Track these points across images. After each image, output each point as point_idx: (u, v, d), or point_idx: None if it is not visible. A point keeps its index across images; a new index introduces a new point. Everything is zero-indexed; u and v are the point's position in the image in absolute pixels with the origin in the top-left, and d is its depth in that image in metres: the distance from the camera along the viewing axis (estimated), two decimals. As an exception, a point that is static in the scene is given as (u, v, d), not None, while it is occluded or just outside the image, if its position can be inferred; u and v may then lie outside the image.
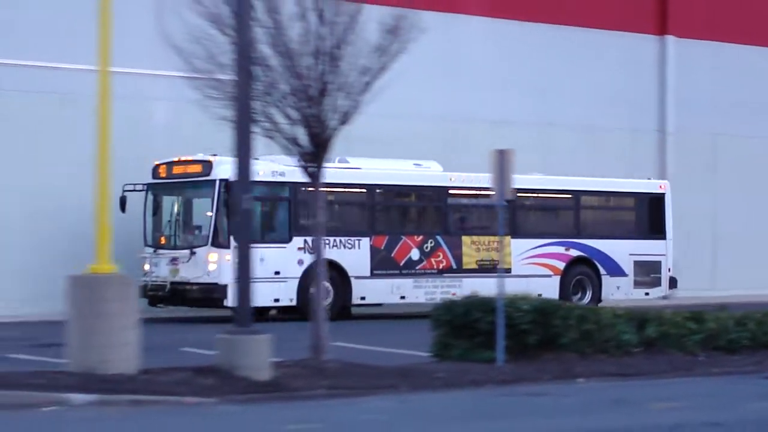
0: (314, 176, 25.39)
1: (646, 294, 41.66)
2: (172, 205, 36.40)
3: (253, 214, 33.01)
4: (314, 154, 25.09)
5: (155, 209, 36.77)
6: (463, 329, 26.09)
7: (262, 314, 34.15)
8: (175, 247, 35.78)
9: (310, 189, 27.28)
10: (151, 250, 36.67)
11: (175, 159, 36.91)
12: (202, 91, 25.37)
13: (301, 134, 24.81)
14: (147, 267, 36.18)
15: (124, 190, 36.41)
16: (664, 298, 41.31)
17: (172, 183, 36.24)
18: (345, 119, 25.15)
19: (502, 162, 25.26)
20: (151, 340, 23.55)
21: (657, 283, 41.65)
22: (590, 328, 26.31)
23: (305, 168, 25.31)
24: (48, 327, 27.75)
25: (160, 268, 35.57)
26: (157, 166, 36.97)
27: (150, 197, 36.69)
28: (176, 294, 35.64)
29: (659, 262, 41.68)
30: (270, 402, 20.87)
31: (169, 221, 36.64)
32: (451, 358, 25.90)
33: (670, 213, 42.50)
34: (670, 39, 54.11)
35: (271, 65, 24.58)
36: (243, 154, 22.78)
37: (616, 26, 52.17)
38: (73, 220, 36.17)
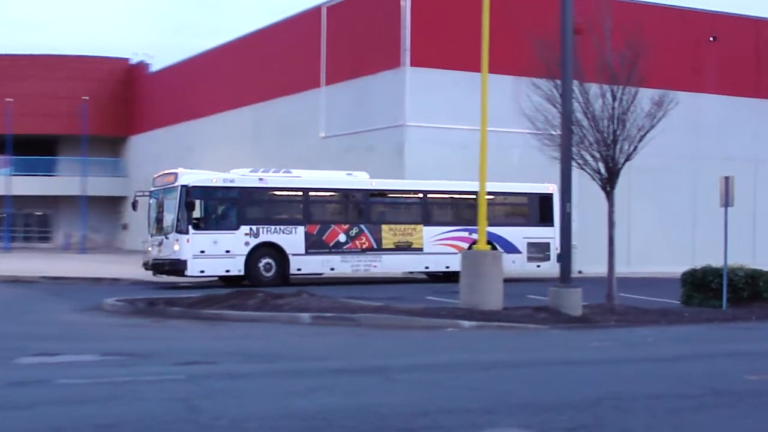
0: (609, 194, 25.37)
1: (538, 266, 38.19)
2: (160, 204, 33.98)
3: (205, 209, 32.83)
4: (609, 180, 25.11)
5: (153, 208, 34.48)
6: (701, 286, 25.83)
7: (231, 281, 32.58)
8: (159, 234, 33.39)
9: (609, 201, 26.14)
10: (149, 236, 34.62)
11: (162, 173, 35.43)
12: (541, 142, 25.97)
13: (601, 168, 24.96)
14: (149, 248, 34.20)
15: (135, 195, 36.31)
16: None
17: (160, 189, 34.12)
18: (628, 158, 25.19)
19: (726, 184, 24.89)
20: (507, 291, 23.68)
21: (547, 258, 37.99)
22: (783, 288, 25.95)
23: (603, 188, 25.39)
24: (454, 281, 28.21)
25: (153, 249, 33.54)
26: (154, 177, 35.60)
27: (150, 200, 34.83)
28: (157, 266, 33.30)
29: (548, 243, 37.94)
30: (581, 329, 21.04)
31: (157, 216, 34.11)
32: (692, 305, 25.66)
33: (557, 207, 35.06)
34: None
35: (583, 125, 24.85)
36: (566, 179, 22.91)
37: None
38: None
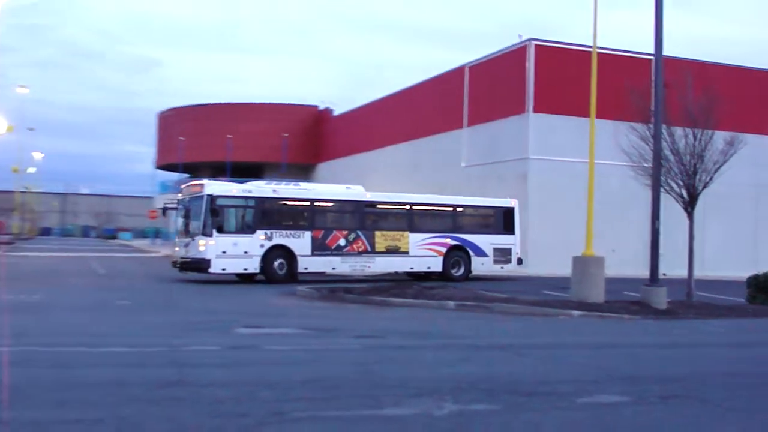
0: (689, 214, 24.76)
1: (501, 268, 35.22)
2: (187, 211, 30.69)
3: (227, 215, 29.71)
4: (690, 203, 24.61)
5: (180, 214, 31.37)
6: (763, 288, 24.78)
7: (246, 278, 30.69)
8: (186, 237, 30.33)
9: (690, 219, 25.45)
10: (177, 238, 31.81)
11: (188, 184, 32.14)
12: (636, 172, 25.50)
13: (684, 193, 24.48)
14: (177, 249, 31.21)
15: (164, 204, 33.63)
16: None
17: (187, 198, 30.78)
18: (705, 186, 24.66)
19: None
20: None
21: (509, 261, 35.30)
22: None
23: (685, 209, 24.82)
24: (564, 279, 27.88)
25: (181, 249, 30.49)
26: (182, 187, 32.40)
27: (178, 206, 31.69)
28: (185, 265, 30.06)
29: (510, 249, 35.27)
30: (666, 320, 20.35)
31: (184, 221, 30.93)
32: (756, 303, 24.59)
33: (517, 218, 36.07)
34: None
35: (669, 159, 24.38)
36: (656, 202, 22.12)
37: None
38: (563, 231, 36.57)
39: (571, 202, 38.63)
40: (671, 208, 26.57)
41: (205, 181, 30.51)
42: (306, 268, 30.77)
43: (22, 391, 8.58)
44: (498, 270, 35.17)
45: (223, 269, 29.19)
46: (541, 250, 41.48)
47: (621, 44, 44.59)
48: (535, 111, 42.80)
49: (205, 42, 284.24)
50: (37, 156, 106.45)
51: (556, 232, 40.44)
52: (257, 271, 29.90)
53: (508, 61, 45.52)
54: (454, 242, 34.14)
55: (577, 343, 15.25)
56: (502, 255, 35.09)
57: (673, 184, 24.59)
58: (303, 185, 33.62)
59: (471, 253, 34.42)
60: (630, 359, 13.15)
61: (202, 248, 28.93)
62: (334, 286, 26.06)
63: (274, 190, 31.14)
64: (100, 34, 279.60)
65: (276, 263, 30.01)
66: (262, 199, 30.52)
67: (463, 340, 14.72)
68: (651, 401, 9.28)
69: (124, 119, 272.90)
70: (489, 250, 34.80)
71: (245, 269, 29.72)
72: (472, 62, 49.59)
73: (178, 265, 30.53)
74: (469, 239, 34.40)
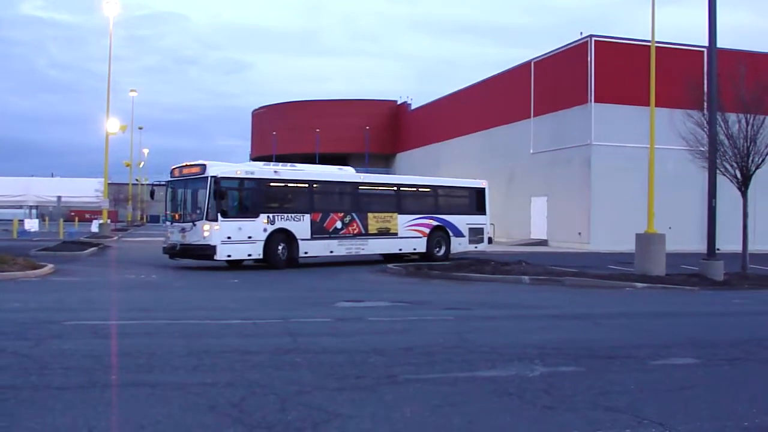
0: (743, 193, 24.32)
1: (476, 247, 32.22)
2: (183, 194, 26.78)
3: (230, 198, 25.54)
4: (743, 183, 24.17)
5: (172, 197, 26.99)
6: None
7: (239, 263, 26.54)
8: (183, 221, 25.96)
9: (743, 198, 24.72)
10: (169, 223, 27.12)
11: (183, 164, 26.85)
12: (693, 156, 25.16)
13: (738, 174, 24.03)
14: (170, 234, 26.55)
15: (152, 185, 28.02)
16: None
17: (182, 179, 26.51)
18: (758, 167, 24.20)
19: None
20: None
21: (482, 241, 32.45)
22: None
23: (739, 188, 24.35)
24: (627, 255, 27.57)
25: (174, 235, 26.08)
26: (173, 169, 27.26)
27: (169, 190, 27.06)
28: (184, 251, 25.56)
29: (483, 228, 32.48)
30: (723, 290, 20.17)
31: (179, 205, 26.78)
32: (806, 274, 24.35)
33: (488, 199, 33.22)
34: None
35: (724, 143, 23.94)
36: (712, 183, 21.97)
37: None
38: (623, 210, 36.56)
39: (631, 183, 38.19)
40: (723, 188, 26.13)
41: (206, 162, 26.10)
42: (306, 253, 27.14)
43: (160, 358, 8.86)
44: (473, 249, 32.72)
45: (229, 255, 25.28)
46: (603, 227, 41.17)
47: (671, 37, 43.93)
48: (596, 101, 42.37)
49: (289, 46, 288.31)
50: (145, 152, 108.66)
51: (617, 211, 40.07)
52: (260, 256, 26.02)
53: (571, 56, 45.08)
54: (436, 223, 31.47)
55: (645, 312, 15.20)
56: (476, 234, 32.85)
57: (728, 166, 24.15)
58: (299, 166, 29.58)
59: (450, 234, 31.99)
60: (695, 326, 13.11)
61: (206, 234, 24.99)
62: (420, 264, 26.19)
63: (276, 171, 27.42)
64: (197, 41, 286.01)
65: (280, 248, 26.30)
66: (265, 180, 26.83)
67: (542, 311, 14.80)
68: (718, 363, 9.31)
69: (220, 117, 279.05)
70: (465, 230, 32.45)
71: (249, 255, 25.86)
72: (536, 58, 49.19)
73: (176, 252, 26.24)
74: (448, 220, 31.90)
